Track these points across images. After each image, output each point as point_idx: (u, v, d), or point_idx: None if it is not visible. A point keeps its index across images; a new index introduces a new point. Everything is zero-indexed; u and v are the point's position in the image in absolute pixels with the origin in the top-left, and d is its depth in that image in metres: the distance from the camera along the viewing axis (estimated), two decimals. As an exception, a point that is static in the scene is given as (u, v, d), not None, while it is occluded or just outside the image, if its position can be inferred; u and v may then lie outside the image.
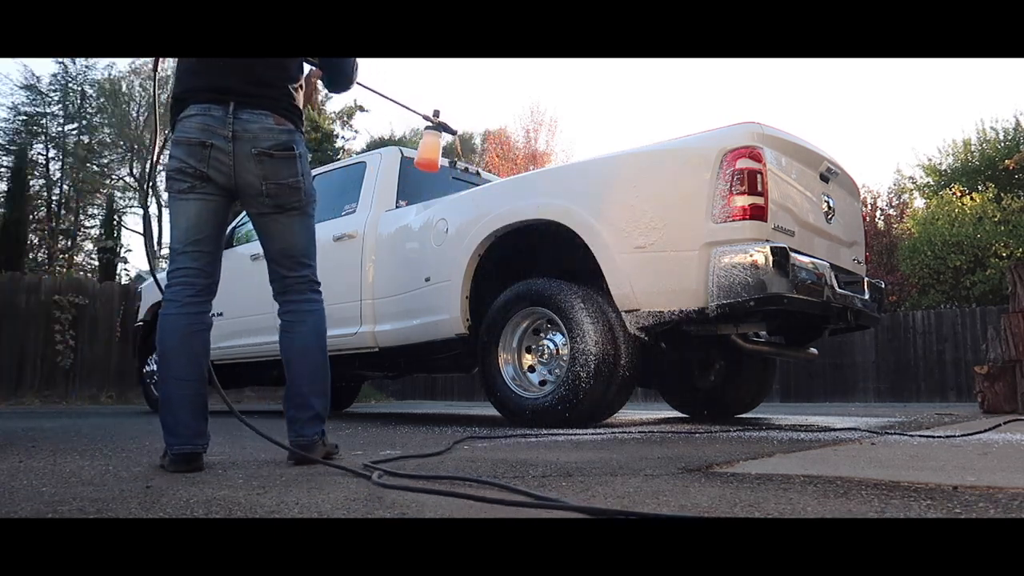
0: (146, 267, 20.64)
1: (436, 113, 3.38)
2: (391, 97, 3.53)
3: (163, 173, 2.26)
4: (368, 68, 2.46)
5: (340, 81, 2.38)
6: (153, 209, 22.95)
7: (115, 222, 16.71)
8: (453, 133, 3.32)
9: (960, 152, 16.47)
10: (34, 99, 20.97)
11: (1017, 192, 14.73)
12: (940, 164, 16.87)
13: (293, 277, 2.15)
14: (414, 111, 3.60)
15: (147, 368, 6.03)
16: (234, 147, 1.99)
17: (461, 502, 1.34)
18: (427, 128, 3.40)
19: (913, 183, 17.57)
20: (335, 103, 22.16)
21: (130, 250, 35.99)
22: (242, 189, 2.04)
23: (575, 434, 2.84)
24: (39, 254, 18.78)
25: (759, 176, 2.99)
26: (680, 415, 4.56)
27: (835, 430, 3.09)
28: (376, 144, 20.00)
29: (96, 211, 21.78)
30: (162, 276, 2.14)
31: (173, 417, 1.91)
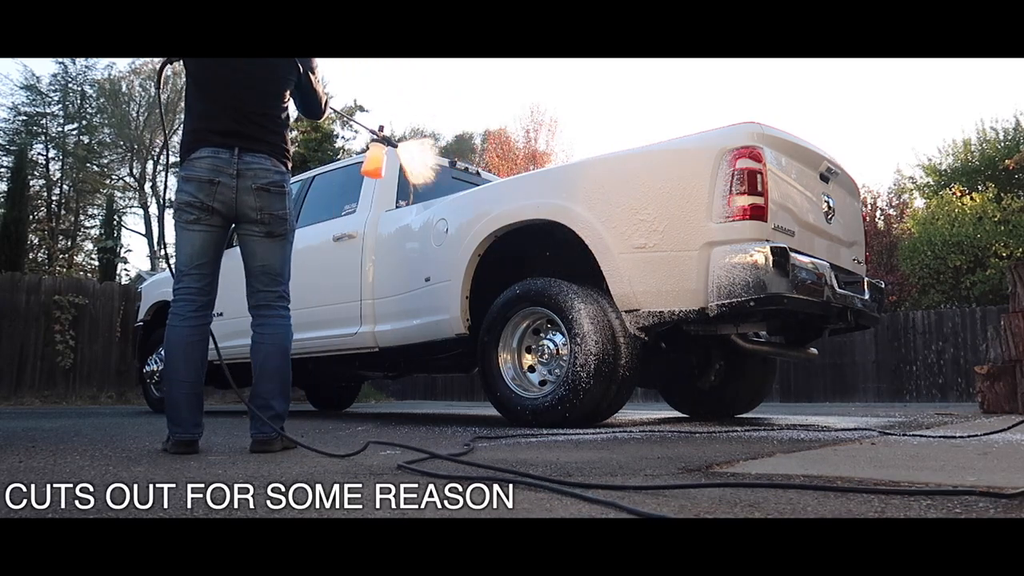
0: (146, 267, 20.72)
1: (381, 128, 3.82)
2: (350, 117, 4.05)
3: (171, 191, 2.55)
4: (359, 66, 2.75)
5: (313, 112, 2.77)
6: (153, 209, 22.96)
7: (115, 222, 16.66)
8: (394, 146, 3.75)
9: (960, 152, 16.45)
10: (34, 99, 20.93)
11: (1017, 192, 14.72)
12: (940, 164, 16.85)
13: (268, 291, 2.50)
14: (364, 126, 4.70)
15: (147, 368, 5.95)
16: (237, 182, 2.39)
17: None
18: (372, 141, 3.74)
19: (913, 183, 17.56)
20: (337, 103, 22.17)
21: (130, 250, 36.05)
22: (240, 216, 2.44)
23: (575, 434, 2.84)
24: (39, 254, 18.74)
25: (759, 176, 2.99)
26: (680, 415, 4.56)
27: (835, 430, 3.09)
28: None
29: (96, 211, 21.75)
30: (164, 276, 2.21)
31: (176, 411, 2.35)
